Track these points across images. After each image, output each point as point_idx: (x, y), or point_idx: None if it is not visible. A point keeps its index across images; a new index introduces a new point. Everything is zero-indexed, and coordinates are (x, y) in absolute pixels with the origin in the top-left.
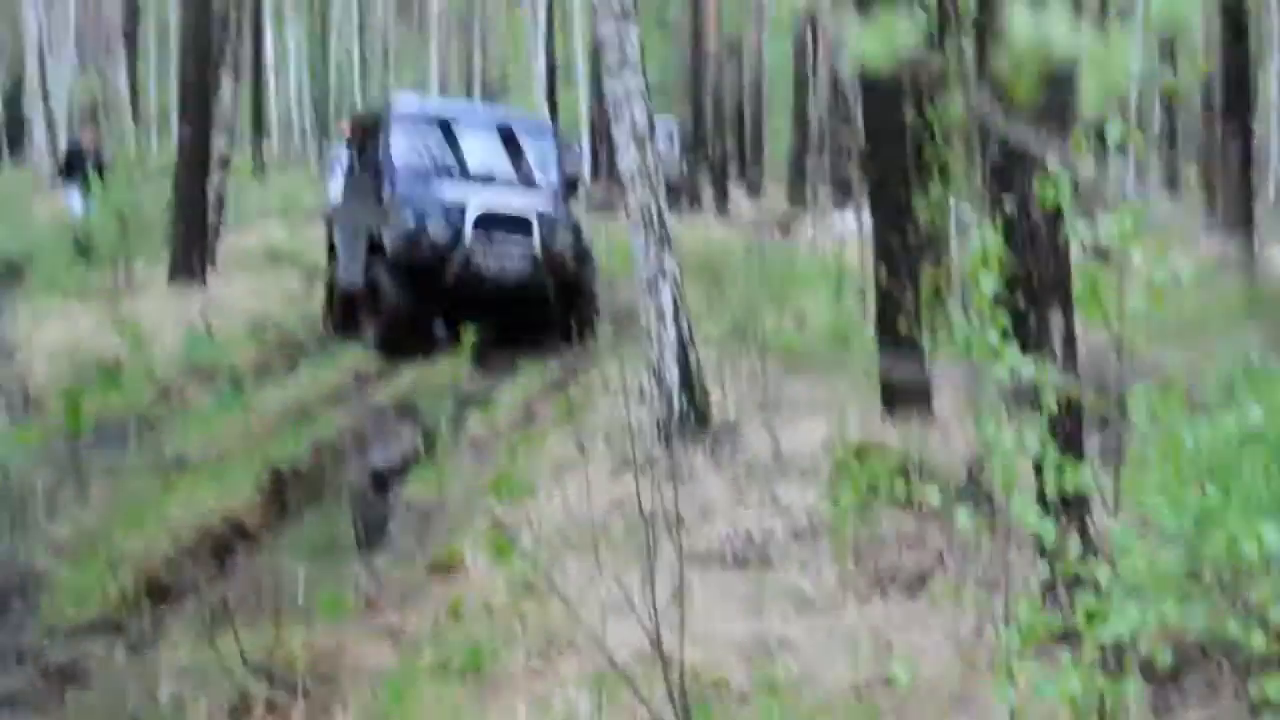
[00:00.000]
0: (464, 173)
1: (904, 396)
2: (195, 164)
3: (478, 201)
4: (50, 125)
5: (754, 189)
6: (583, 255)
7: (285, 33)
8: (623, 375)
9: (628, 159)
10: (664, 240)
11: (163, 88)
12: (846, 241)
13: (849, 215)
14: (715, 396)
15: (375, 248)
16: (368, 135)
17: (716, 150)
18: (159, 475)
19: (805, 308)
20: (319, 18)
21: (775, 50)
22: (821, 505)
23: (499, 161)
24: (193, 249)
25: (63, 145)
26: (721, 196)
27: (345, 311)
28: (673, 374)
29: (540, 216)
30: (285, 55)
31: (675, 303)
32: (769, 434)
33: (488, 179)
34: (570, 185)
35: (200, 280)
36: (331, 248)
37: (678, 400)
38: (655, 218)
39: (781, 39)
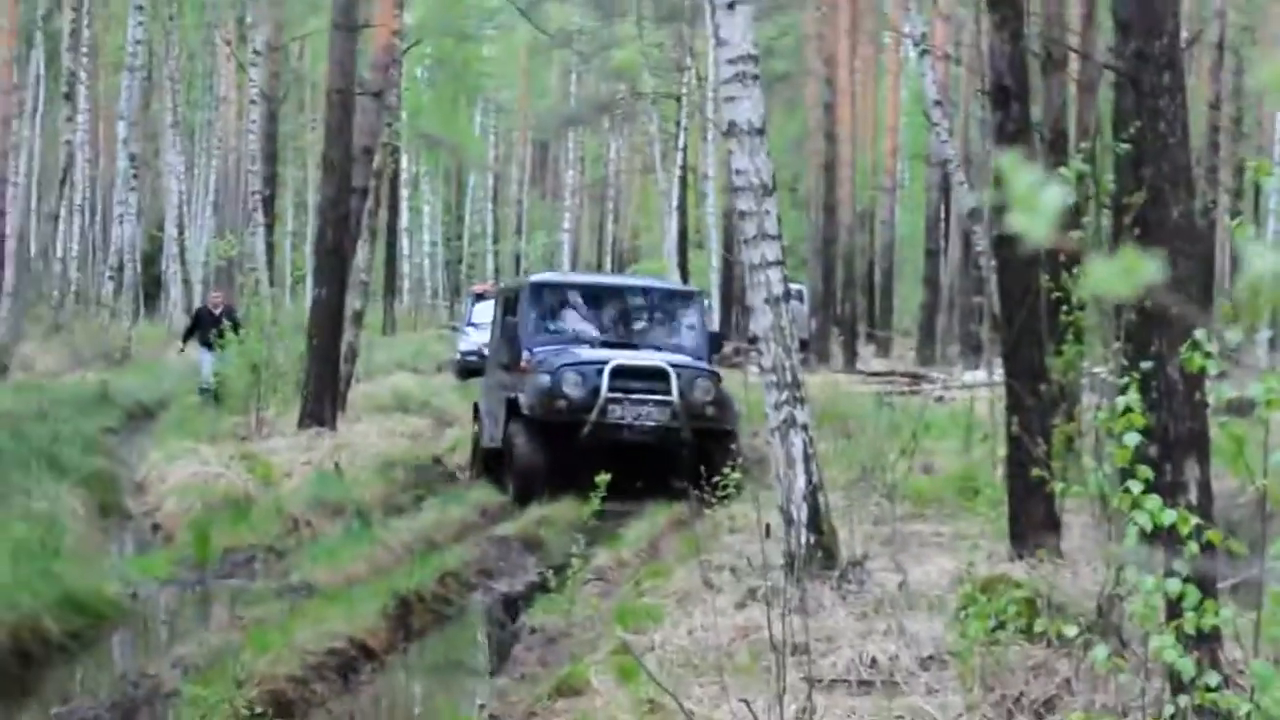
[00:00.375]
0: (602, 338)
1: (1032, 536)
2: (329, 319)
3: (614, 356)
4: (186, 284)
5: (882, 347)
6: (723, 402)
7: (421, 200)
8: (758, 512)
9: (763, 320)
10: (796, 393)
11: (298, 249)
12: (975, 397)
13: (978, 374)
14: (843, 535)
15: (514, 408)
16: (509, 306)
17: (846, 310)
18: (286, 601)
19: (934, 457)
20: (455, 186)
21: (907, 220)
22: (949, 636)
23: (638, 325)
24: (324, 396)
25: (197, 303)
26: (850, 354)
27: (488, 469)
28: (801, 514)
29: (678, 368)
30: (420, 220)
31: (805, 449)
32: (896, 569)
33: (626, 341)
34: (714, 343)
35: (331, 426)
36: (476, 410)
37: (805, 537)
38: (787, 372)
39: (914, 210)
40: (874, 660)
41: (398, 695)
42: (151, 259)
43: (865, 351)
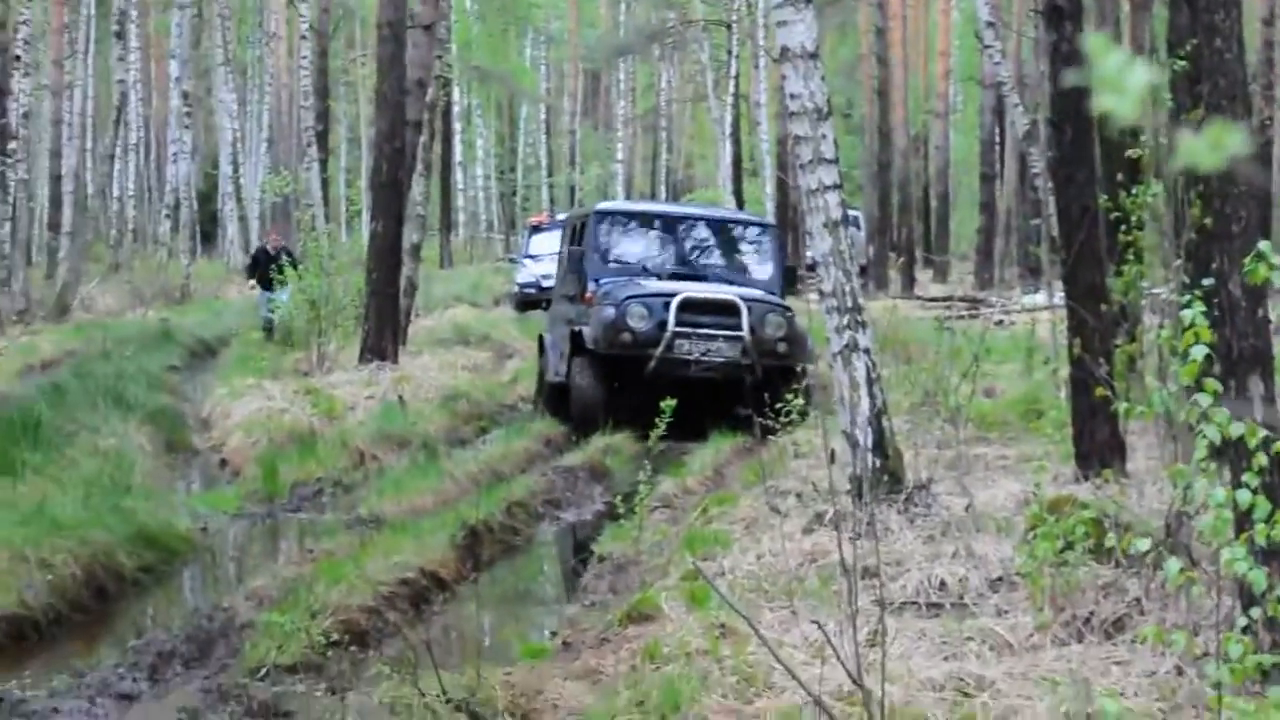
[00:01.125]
0: (670, 269)
1: (1098, 457)
2: (386, 253)
3: (682, 289)
4: (242, 221)
5: (940, 273)
6: (797, 339)
7: (474, 133)
8: (823, 437)
9: (822, 245)
10: (857, 317)
11: (353, 184)
12: (1035, 320)
13: (1037, 297)
14: (908, 459)
15: (578, 342)
16: (575, 236)
17: (903, 236)
18: (355, 533)
19: (996, 381)
20: (507, 120)
21: (961, 144)
22: (1017, 557)
23: (707, 257)
24: (384, 330)
25: (254, 241)
26: (908, 279)
27: (553, 404)
28: (866, 438)
29: (749, 301)
30: (474, 154)
31: (868, 373)
32: (962, 492)
33: (696, 274)
34: (789, 276)
35: (392, 360)
36: (541, 342)
37: (871, 461)
38: (848, 296)
39: (968, 134)
40: (943, 583)
41: (469, 624)
42: (207, 197)
43: (923, 277)
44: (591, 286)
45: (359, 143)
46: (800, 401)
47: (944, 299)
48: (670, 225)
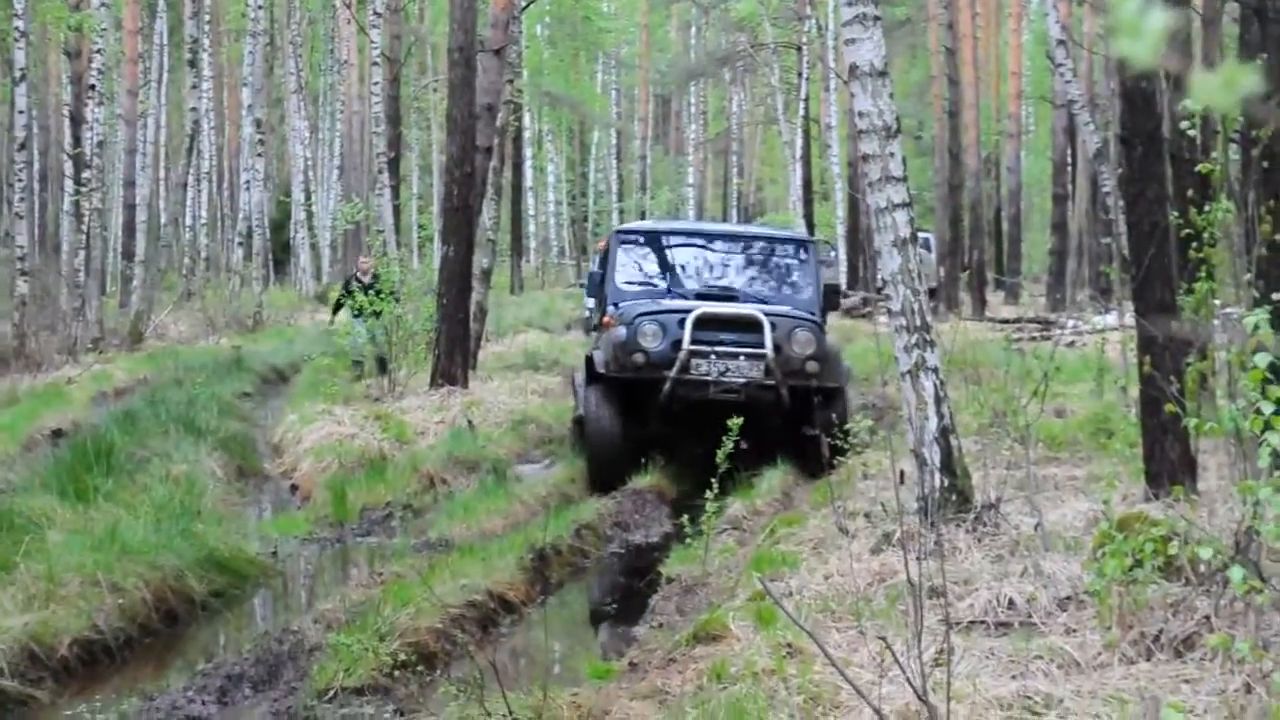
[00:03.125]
0: (697, 291)
1: (1168, 475)
2: (457, 277)
3: (698, 306)
4: (314, 249)
5: (1011, 294)
6: (827, 357)
7: (545, 158)
8: (891, 457)
9: (890, 263)
10: (925, 335)
11: (424, 210)
12: (1106, 341)
13: (1109, 318)
14: (976, 479)
15: (591, 369)
16: (601, 262)
17: (974, 257)
18: (424, 556)
19: (1066, 401)
20: (578, 145)
21: (1033, 165)
22: (1085, 575)
23: (740, 278)
24: (455, 355)
25: (326, 268)
26: (979, 301)
27: (581, 436)
28: (934, 457)
29: (773, 316)
30: (544, 179)
31: (937, 392)
32: (1031, 511)
33: (725, 295)
34: (830, 297)
35: (462, 384)
36: (573, 381)
37: (939, 481)
38: (916, 315)
39: (1040, 155)
40: (1011, 601)
41: (537, 645)
42: (279, 225)
43: (994, 299)
44: (610, 310)
45: (430, 169)
46: (867, 423)
47: (1015, 320)
48: (697, 245)
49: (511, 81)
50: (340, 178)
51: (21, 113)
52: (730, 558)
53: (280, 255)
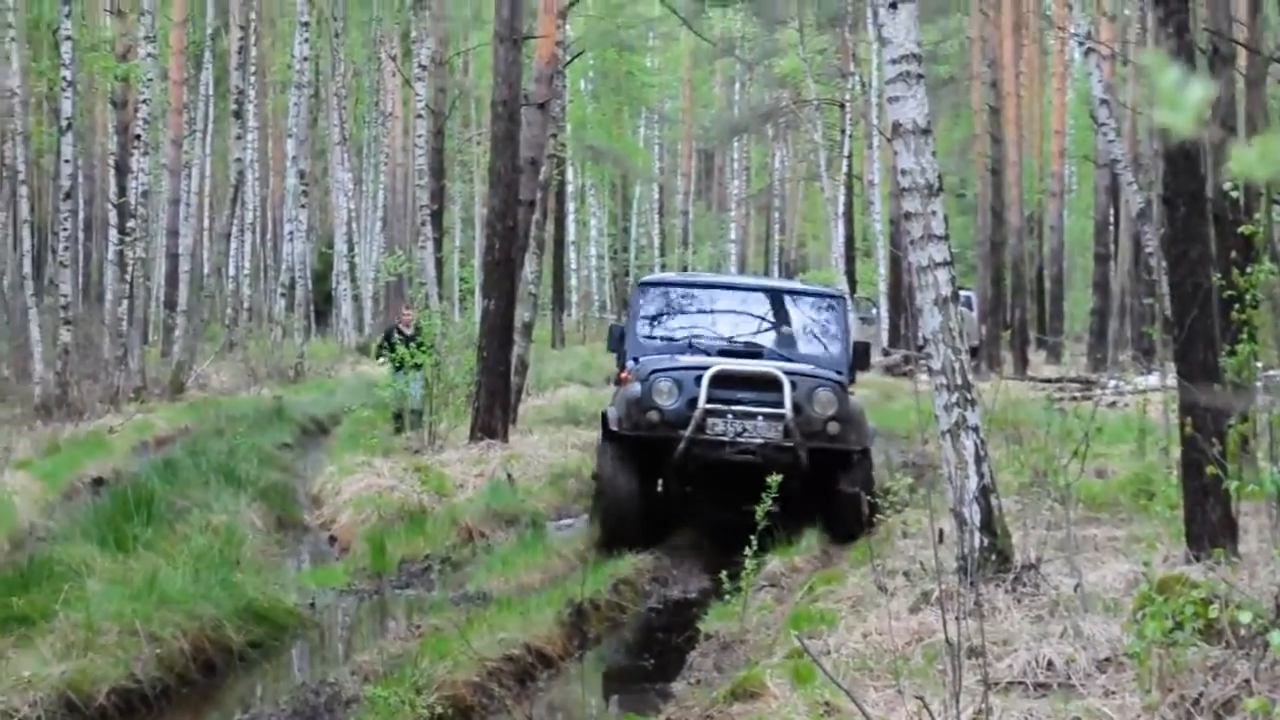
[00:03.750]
0: (721, 346)
1: (1209, 537)
2: (498, 330)
3: (716, 363)
4: (356, 300)
5: (1053, 353)
6: (850, 418)
7: (587, 212)
8: (930, 516)
9: (931, 322)
10: (966, 394)
11: (466, 263)
12: (1148, 402)
13: (1151, 379)
14: (1016, 539)
15: (606, 426)
16: (620, 315)
17: (1015, 316)
18: (462, 609)
19: (1107, 461)
20: (620, 199)
21: (1076, 224)
22: (1125, 637)
23: (765, 333)
24: (495, 408)
25: (368, 320)
26: (1021, 360)
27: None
28: (974, 516)
29: (793, 375)
30: (587, 233)
31: (977, 451)
32: (1071, 572)
33: (749, 351)
34: (859, 355)
35: (502, 438)
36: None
37: (979, 540)
38: (957, 374)
39: (1082, 214)
40: (1050, 663)
41: (575, 701)
42: (322, 276)
43: (1036, 358)
44: (630, 365)
45: (472, 222)
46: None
47: (1056, 380)
48: (722, 298)
49: (555, 135)
50: (383, 229)
51: (67, 161)
52: (768, 615)
53: (322, 306)
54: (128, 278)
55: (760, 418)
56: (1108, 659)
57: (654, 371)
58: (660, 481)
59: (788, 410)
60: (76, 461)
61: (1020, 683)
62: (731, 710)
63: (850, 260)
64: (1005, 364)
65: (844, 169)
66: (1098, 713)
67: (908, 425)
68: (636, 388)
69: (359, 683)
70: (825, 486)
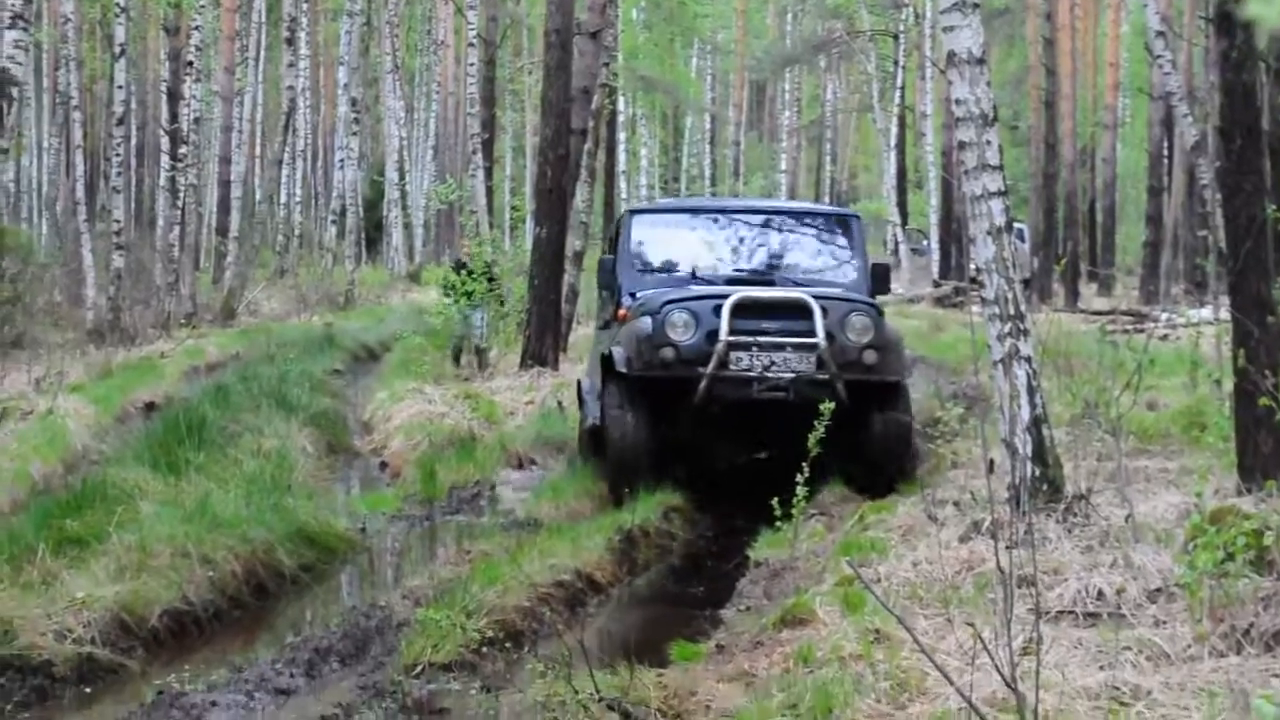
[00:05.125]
0: (726, 275)
1: (1261, 469)
2: (549, 259)
3: (736, 291)
4: (407, 228)
5: (1105, 286)
6: (887, 345)
7: (639, 142)
8: (983, 445)
9: (985, 252)
10: (1019, 324)
11: (517, 192)
12: (1200, 334)
13: (1203, 311)
14: (1067, 470)
15: (609, 368)
16: (611, 246)
17: (1068, 249)
18: (512, 535)
19: (1158, 394)
20: (671, 129)
21: (1129, 157)
22: (1176, 568)
23: (774, 259)
24: (545, 336)
25: (419, 248)
26: (1072, 293)
27: (595, 454)
28: (1026, 446)
29: (823, 300)
30: (638, 163)
31: (1029, 381)
32: (1122, 503)
33: (758, 279)
34: (879, 278)
35: (552, 366)
36: (579, 388)
37: (1030, 470)
38: (1010, 304)
39: (1136, 147)
40: (1100, 592)
41: (624, 626)
42: (372, 204)
43: (1087, 291)
44: (626, 301)
45: (523, 151)
46: (958, 411)
47: (1108, 312)
48: (723, 224)
49: (607, 65)
50: (434, 158)
51: (120, 88)
52: (818, 543)
53: (373, 234)
54: (180, 204)
55: (789, 349)
56: (1158, 589)
57: (667, 302)
58: (674, 425)
59: (820, 339)
60: (129, 386)
61: (1070, 612)
62: (781, 636)
63: (902, 192)
64: (1056, 297)
65: (896, 100)
66: (1148, 642)
67: (958, 356)
68: (647, 322)
69: (410, 606)
70: (860, 423)
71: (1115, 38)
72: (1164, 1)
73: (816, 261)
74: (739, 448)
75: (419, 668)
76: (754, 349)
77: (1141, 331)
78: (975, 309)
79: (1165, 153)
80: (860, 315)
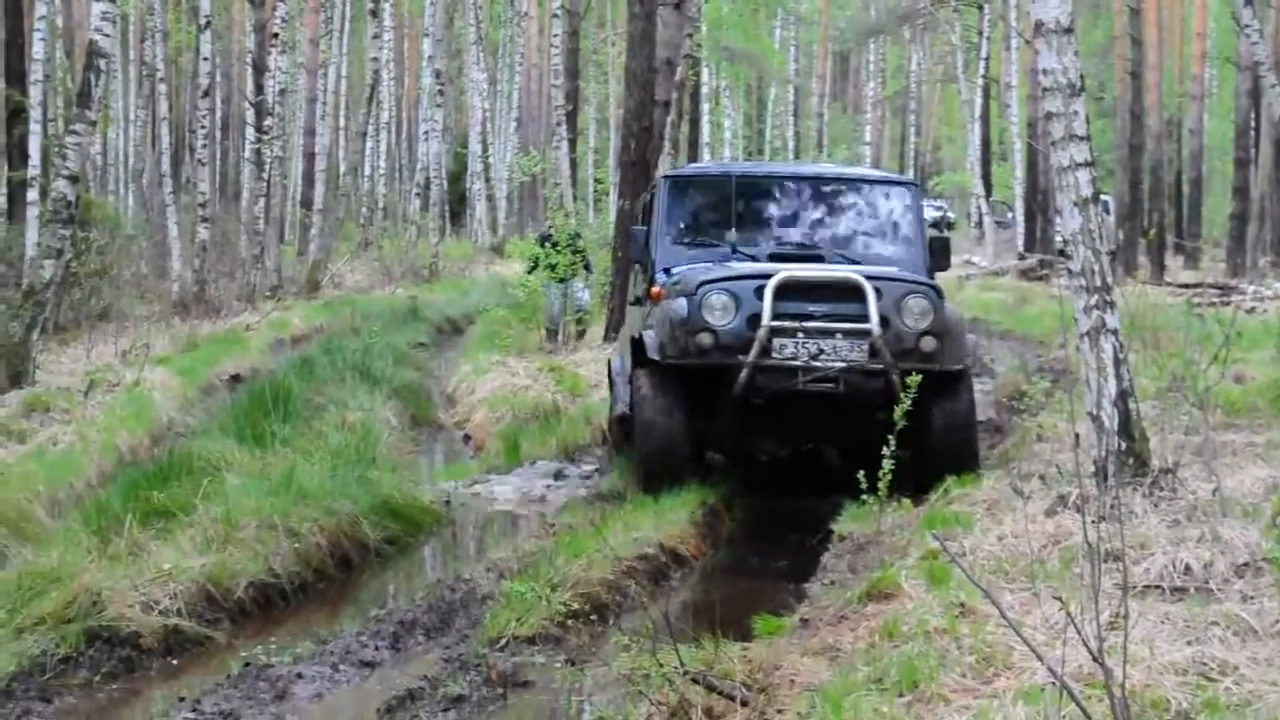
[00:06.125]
0: (771, 250)
1: None
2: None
3: (780, 270)
4: (490, 200)
5: (1191, 259)
6: (948, 331)
7: (722, 114)
8: (1070, 418)
9: (1071, 223)
10: (1106, 296)
11: (601, 165)
12: None
13: None
14: (1153, 444)
15: (640, 353)
16: (643, 216)
17: (1153, 221)
18: (596, 508)
19: (1245, 367)
20: (755, 101)
21: (1216, 128)
22: (1264, 543)
23: (822, 231)
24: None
25: (501, 220)
26: (1158, 265)
27: (624, 444)
28: (1112, 420)
29: (877, 280)
30: (721, 135)
31: (1116, 354)
32: (1209, 477)
33: (807, 254)
34: (939, 253)
35: None
36: (609, 369)
37: (1116, 443)
38: (1097, 276)
39: (1222, 118)
40: (1188, 567)
41: (708, 599)
42: (456, 176)
43: (1173, 263)
44: (660, 279)
45: (607, 123)
46: (1044, 384)
47: (1194, 285)
48: (767, 192)
49: (691, 36)
50: (518, 130)
51: (206, 60)
52: (903, 517)
53: (456, 206)
54: (264, 176)
55: (839, 335)
56: (1246, 564)
57: (704, 283)
58: (711, 417)
59: (874, 324)
60: (214, 358)
61: (1157, 586)
62: (866, 610)
63: (986, 164)
64: (1142, 269)
65: (981, 71)
66: (1235, 617)
67: (1043, 330)
68: (682, 304)
69: (494, 579)
70: (918, 415)
71: (1202, 6)
72: None
73: (869, 235)
74: (782, 442)
75: (503, 640)
76: (800, 335)
77: (1228, 304)
78: (1061, 281)
79: (1253, 124)
80: (918, 297)
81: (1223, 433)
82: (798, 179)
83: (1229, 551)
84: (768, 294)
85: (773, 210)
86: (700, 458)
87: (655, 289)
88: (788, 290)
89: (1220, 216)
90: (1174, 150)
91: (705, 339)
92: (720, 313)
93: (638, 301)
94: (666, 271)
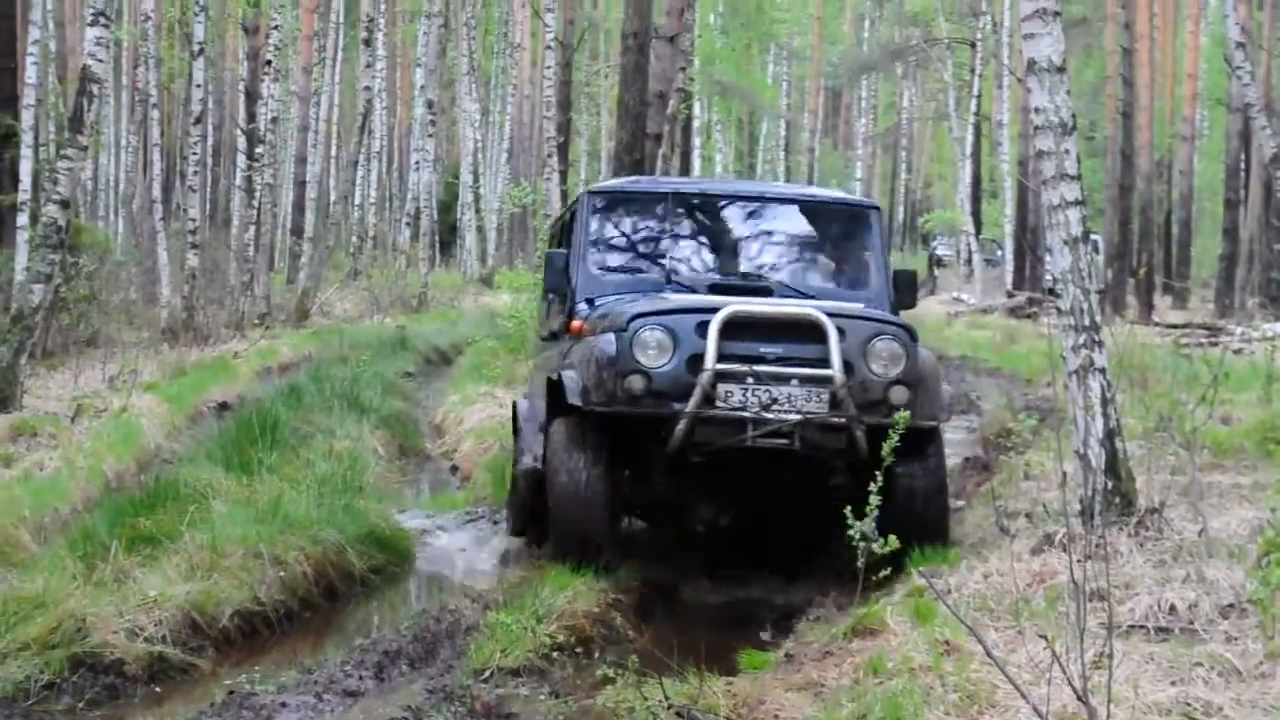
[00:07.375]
0: (713, 280)
1: None
2: None
3: (727, 304)
4: (480, 231)
5: (1179, 299)
6: (920, 379)
7: (714, 148)
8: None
9: (1061, 262)
10: (1094, 335)
11: None
12: (1276, 349)
13: (1278, 325)
14: (1140, 483)
15: (557, 398)
16: (563, 237)
17: (1142, 261)
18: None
19: (1232, 408)
20: (747, 135)
21: (1206, 169)
22: (1249, 584)
23: (771, 259)
24: None
25: (491, 251)
26: (1146, 305)
27: (523, 511)
28: (1099, 459)
29: (841, 320)
30: (712, 168)
31: (1104, 393)
32: (1195, 517)
33: (753, 286)
34: (905, 288)
35: None
36: (514, 413)
37: (1103, 482)
38: (1085, 315)
39: (1213, 159)
40: (1173, 607)
41: (695, 633)
42: (447, 206)
43: (1161, 303)
44: (582, 309)
45: (598, 155)
46: (1031, 423)
47: (1182, 325)
48: (709, 213)
49: (684, 69)
50: (509, 161)
51: (198, 86)
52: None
53: (446, 236)
54: (255, 204)
55: (795, 382)
56: (1231, 605)
57: (637, 316)
58: (641, 476)
59: (836, 370)
60: (202, 385)
61: (1142, 626)
62: (851, 646)
63: (976, 201)
64: (1130, 309)
65: (973, 109)
66: (1220, 658)
67: (1031, 368)
68: (610, 341)
69: (479, 610)
70: (883, 474)
71: (1194, 49)
72: (1243, 12)
73: (829, 265)
74: (723, 508)
75: (488, 672)
76: (750, 381)
77: (1216, 345)
78: (1050, 319)
79: (1243, 165)
80: (888, 340)
81: (1209, 473)
82: (744, 198)
83: (1214, 592)
84: (712, 331)
85: (715, 234)
86: (616, 523)
87: (576, 322)
88: (735, 328)
89: (1209, 257)
90: (1164, 191)
91: (637, 383)
92: (655, 352)
93: (553, 336)
94: (590, 302)
